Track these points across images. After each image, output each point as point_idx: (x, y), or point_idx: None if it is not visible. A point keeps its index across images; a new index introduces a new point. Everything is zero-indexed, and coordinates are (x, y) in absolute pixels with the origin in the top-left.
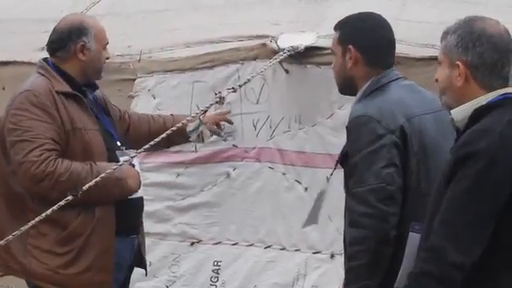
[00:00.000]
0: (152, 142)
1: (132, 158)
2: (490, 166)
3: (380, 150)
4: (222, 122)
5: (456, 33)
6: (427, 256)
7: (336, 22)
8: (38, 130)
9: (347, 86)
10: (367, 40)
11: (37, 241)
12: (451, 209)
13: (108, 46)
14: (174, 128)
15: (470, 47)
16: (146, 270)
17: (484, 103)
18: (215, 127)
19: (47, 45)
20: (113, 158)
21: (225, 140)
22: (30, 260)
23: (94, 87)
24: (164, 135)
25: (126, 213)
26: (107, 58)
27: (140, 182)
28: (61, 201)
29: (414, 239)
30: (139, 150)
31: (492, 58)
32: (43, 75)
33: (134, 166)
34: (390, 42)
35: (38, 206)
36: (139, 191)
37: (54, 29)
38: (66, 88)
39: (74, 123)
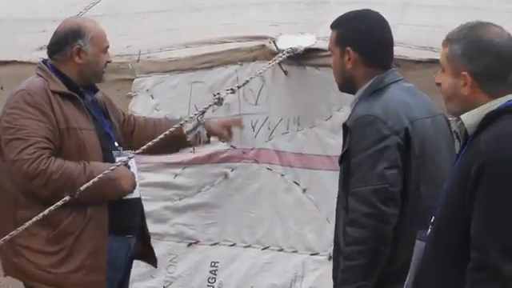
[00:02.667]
0: (150, 143)
1: (129, 158)
2: None
3: (384, 150)
4: (234, 127)
5: (460, 42)
6: (481, 276)
7: None
8: (32, 128)
9: (347, 85)
10: (365, 42)
11: (26, 241)
12: (491, 219)
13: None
14: (172, 129)
15: (476, 58)
16: (155, 266)
17: (495, 108)
18: (225, 132)
19: (47, 47)
20: (109, 158)
21: (222, 141)
22: (21, 260)
23: (94, 89)
24: (161, 136)
25: (122, 213)
26: (108, 62)
27: (135, 183)
28: (52, 199)
29: (420, 247)
30: (137, 151)
31: (498, 67)
32: (41, 76)
33: (129, 167)
34: (388, 41)
35: (30, 204)
36: (136, 192)
37: (55, 31)
38: (63, 88)
39: (69, 122)
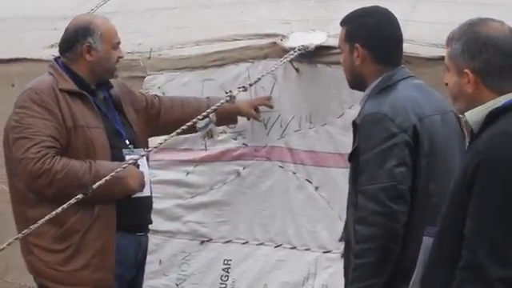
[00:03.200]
0: (162, 141)
1: (142, 156)
2: None
3: (393, 148)
4: (262, 107)
5: (460, 40)
6: (468, 275)
7: None
8: (38, 127)
9: (357, 82)
10: (374, 38)
11: (36, 239)
12: (483, 218)
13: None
14: (184, 127)
15: (476, 54)
16: None
17: (499, 105)
18: (253, 111)
19: (58, 45)
20: (118, 156)
21: (235, 139)
22: (32, 258)
23: (108, 86)
24: (173, 134)
25: (132, 211)
26: (120, 57)
27: (143, 182)
28: (58, 198)
29: (427, 243)
30: (149, 149)
31: (499, 62)
32: (52, 74)
33: (138, 165)
34: (397, 38)
35: (38, 203)
36: (146, 190)
37: (65, 29)
38: (72, 86)
39: (76, 121)
